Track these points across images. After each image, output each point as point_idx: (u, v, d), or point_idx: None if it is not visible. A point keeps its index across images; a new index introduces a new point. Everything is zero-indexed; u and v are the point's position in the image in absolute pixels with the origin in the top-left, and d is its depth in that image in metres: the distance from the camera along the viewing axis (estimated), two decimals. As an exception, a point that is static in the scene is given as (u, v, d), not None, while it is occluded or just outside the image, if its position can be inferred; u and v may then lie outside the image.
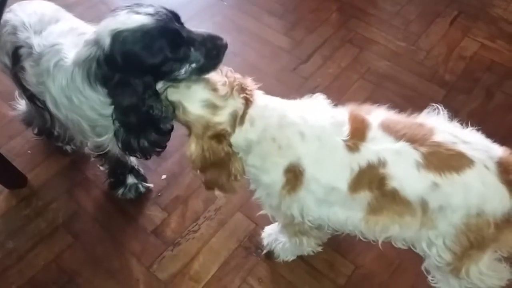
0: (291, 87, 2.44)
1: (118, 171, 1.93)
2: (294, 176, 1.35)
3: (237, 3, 3.00)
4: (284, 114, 1.35)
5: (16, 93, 2.04)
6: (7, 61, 1.71)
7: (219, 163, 1.34)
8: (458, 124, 1.39)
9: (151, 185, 2.03)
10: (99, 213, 1.99)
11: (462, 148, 1.28)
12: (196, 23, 2.84)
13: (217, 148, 1.31)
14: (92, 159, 1.91)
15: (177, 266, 1.82)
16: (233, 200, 1.99)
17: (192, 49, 1.35)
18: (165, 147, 1.51)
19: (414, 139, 1.28)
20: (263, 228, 1.87)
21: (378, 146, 1.29)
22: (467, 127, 1.38)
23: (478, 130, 1.39)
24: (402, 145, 1.28)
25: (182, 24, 1.40)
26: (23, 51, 1.60)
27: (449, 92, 2.46)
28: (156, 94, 1.37)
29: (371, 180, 1.29)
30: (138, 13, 1.32)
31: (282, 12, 2.92)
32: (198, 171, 1.39)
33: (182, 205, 2.00)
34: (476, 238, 1.31)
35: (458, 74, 2.56)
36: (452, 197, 1.26)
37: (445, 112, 1.41)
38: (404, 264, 1.80)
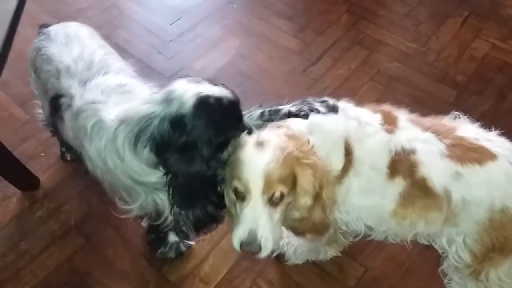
0: (301, 88, 2.44)
1: (159, 227, 1.73)
2: (347, 158, 1.33)
3: (246, 6, 3.01)
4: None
5: (33, 99, 2.06)
6: (45, 104, 1.63)
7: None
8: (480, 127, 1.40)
9: (192, 243, 1.87)
10: (110, 215, 1.99)
11: (484, 143, 1.30)
12: (206, 26, 2.87)
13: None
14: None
15: (187, 267, 1.83)
16: (243, 202, 1.99)
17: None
18: (220, 219, 1.42)
19: (439, 132, 1.33)
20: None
21: (408, 134, 1.34)
22: (491, 130, 1.39)
23: (490, 131, 1.39)
24: (429, 135, 1.33)
25: None
26: (63, 100, 1.51)
27: (460, 93, 2.44)
28: (219, 159, 1.30)
29: (404, 165, 1.31)
30: (215, 85, 1.29)
31: (291, 14, 2.92)
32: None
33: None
34: (498, 238, 1.29)
35: (470, 75, 2.53)
36: (475, 188, 1.27)
37: (466, 118, 1.43)
38: (414, 266, 1.79)
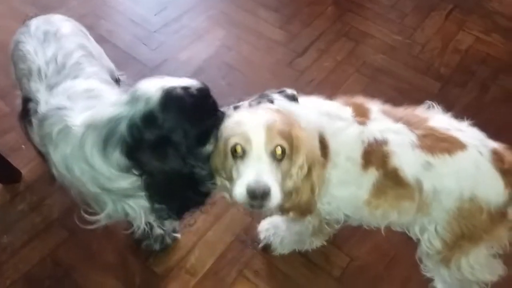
0: (287, 80, 2.44)
1: None
2: (322, 150, 1.33)
3: (232, -3, 2.99)
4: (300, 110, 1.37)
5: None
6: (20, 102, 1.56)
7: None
8: (452, 117, 1.42)
9: (178, 235, 1.85)
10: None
11: (455, 133, 1.32)
12: (191, 17, 2.84)
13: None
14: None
15: (173, 259, 1.82)
16: (229, 193, 1.99)
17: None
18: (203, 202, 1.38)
19: (410, 123, 1.35)
20: (259, 222, 1.87)
21: (380, 125, 1.35)
22: (463, 120, 1.41)
23: (473, 123, 1.41)
24: (400, 126, 1.34)
25: None
26: (31, 105, 1.46)
27: (444, 85, 2.47)
28: (199, 153, 1.27)
29: (377, 156, 1.33)
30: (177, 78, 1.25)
31: (277, 5, 2.91)
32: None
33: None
34: (467, 226, 1.32)
35: (453, 68, 2.56)
36: (445, 178, 1.29)
37: (440, 107, 1.45)
38: (398, 256, 1.81)
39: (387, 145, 1.32)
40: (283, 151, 1.20)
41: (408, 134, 1.32)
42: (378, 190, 1.35)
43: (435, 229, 1.38)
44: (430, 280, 1.63)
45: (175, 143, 1.20)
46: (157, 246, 1.82)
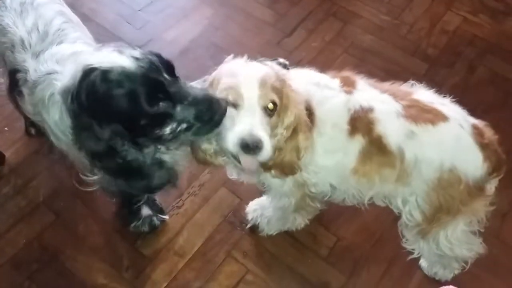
0: (275, 61, 2.41)
1: (133, 201, 1.73)
2: (309, 119, 1.35)
3: (219, -25, 2.92)
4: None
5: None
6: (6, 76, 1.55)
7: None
8: (436, 94, 1.45)
9: (166, 217, 1.85)
10: (80, 190, 1.95)
11: (438, 106, 1.36)
12: (177, -5, 2.77)
13: None
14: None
15: (161, 241, 1.82)
16: (217, 175, 1.98)
17: (178, 107, 1.20)
18: (163, 186, 1.40)
19: (396, 95, 1.39)
20: (247, 203, 1.87)
21: (366, 94, 1.38)
22: (446, 97, 1.44)
23: (460, 103, 1.43)
24: (386, 96, 1.38)
25: (175, 77, 1.24)
26: (20, 76, 1.44)
27: (432, 66, 2.47)
28: (135, 145, 1.26)
29: (363, 123, 1.35)
30: (121, 52, 1.18)
31: (265, -16, 2.85)
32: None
33: (165, 181, 1.98)
34: (446, 197, 1.36)
35: (441, 48, 2.56)
36: (426, 148, 1.32)
37: (425, 86, 1.47)
38: (385, 236, 1.84)
39: (373, 112, 1.35)
40: (275, 107, 1.22)
41: (393, 104, 1.36)
42: (364, 157, 1.38)
43: (416, 201, 1.42)
44: (416, 260, 1.67)
45: (94, 128, 1.19)
46: (145, 228, 1.82)
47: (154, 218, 1.82)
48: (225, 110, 1.22)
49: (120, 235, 1.84)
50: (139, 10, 2.66)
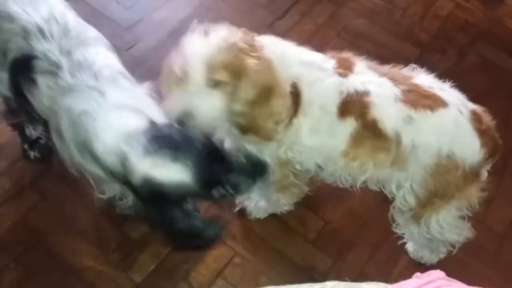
0: (266, 44, 2.38)
1: None
2: (295, 100, 1.36)
3: (210, -46, 2.85)
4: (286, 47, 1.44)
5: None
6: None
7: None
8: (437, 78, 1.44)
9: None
10: (67, 172, 1.92)
11: (438, 92, 1.35)
12: (167, -26, 2.69)
13: None
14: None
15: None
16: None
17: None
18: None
19: (395, 79, 1.37)
20: (235, 187, 1.87)
21: (364, 77, 1.36)
22: (445, 82, 1.43)
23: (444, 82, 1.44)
24: (384, 80, 1.36)
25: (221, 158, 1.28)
26: (40, 63, 1.38)
27: (424, 51, 2.46)
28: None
29: (356, 107, 1.34)
30: (175, 160, 1.19)
31: (257, -36, 2.79)
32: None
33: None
34: (442, 183, 1.36)
35: (433, 34, 2.55)
36: (424, 133, 1.32)
37: (423, 70, 1.47)
38: (371, 220, 1.86)
39: (368, 96, 1.33)
40: (222, 82, 1.25)
41: (392, 88, 1.34)
42: (356, 141, 1.37)
43: (411, 186, 1.41)
44: (402, 244, 1.68)
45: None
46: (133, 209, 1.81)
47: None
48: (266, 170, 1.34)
49: (106, 217, 1.82)
50: (128, -11, 2.60)
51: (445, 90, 1.38)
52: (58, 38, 1.41)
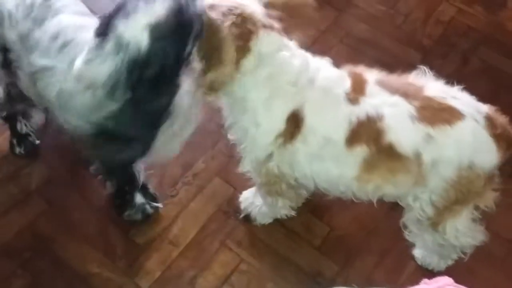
0: (269, 50, 2.39)
1: (127, 188, 1.72)
2: (293, 125, 1.33)
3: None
4: (307, 57, 1.40)
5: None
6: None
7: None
8: (444, 83, 1.43)
9: (159, 205, 1.83)
10: (74, 177, 1.95)
11: (452, 102, 1.33)
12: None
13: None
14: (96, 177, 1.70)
15: (155, 230, 1.82)
16: (212, 165, 1.98)
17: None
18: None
19: (408, 94, 1.33)
20: (241, 192, 1.88)
21: (376, 100, 1.33)
22: (453, 86, 1.42)
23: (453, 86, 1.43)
24: (397, 99, 1.33)
25: None
26: (12, 56, 1.40)
27: (426, 56, 2.47)
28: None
29: (368, 134, 1.32)
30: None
31: (260, -29, 2.81)
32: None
33: (159, 170, 1.97)
34: (463, 192, 1.35)
35: (435, 39, 2.56)
36: (445, 149, 1.30)
37: (431, 73, 1.45)
38: (379, 226, 1.86)
39: (382, 120, 1.31)
40: None
41: (406, 106, 1.31)
42: (370, 165, 1.35)
43: (429, 198, 1.40)
44: (408, 250, 1.68)
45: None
46: (138, 216, 1.81)
47: (147, 206, 1.81)
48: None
49: (113, 224, 1.83)
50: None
51: (458, 98, 1.35)
52: (20, 22, 1.36)
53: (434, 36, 2.57)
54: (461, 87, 1.44)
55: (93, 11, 2.34)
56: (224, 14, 1.25)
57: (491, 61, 2.48)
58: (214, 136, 2.04)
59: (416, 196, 1.42)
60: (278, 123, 1.35)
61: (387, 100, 1.33)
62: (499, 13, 2.70)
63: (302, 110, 1.33)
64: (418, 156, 1.31)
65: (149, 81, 1.19)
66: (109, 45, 1.15)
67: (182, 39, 1.19)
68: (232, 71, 1.27)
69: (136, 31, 1.14)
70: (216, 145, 2.03)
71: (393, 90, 1.35)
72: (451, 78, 2.32)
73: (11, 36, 1.37)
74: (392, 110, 1.32)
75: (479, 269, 1.74)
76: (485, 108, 1.37)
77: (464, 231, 1.50)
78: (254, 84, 1.33)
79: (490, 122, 1.34)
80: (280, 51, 1.33)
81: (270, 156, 1.42)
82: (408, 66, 2.35)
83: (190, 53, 1.23)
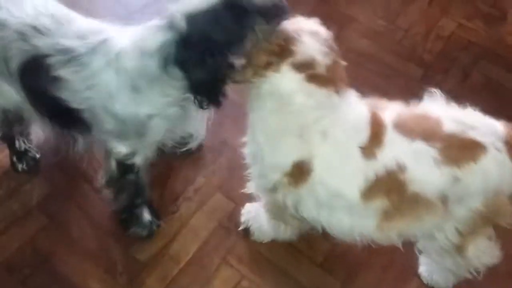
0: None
1: (136, 202, 1.73)
2: (299, 172, 1.29)
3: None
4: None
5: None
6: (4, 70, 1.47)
7: None
8: (455, 106, 1.39)
9: (160, 222, 1.83)
10: (75, 193, 1.94)
11: (472, 135, 1.27)
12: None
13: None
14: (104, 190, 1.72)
15: (156, 247, 1.81)
16: (213, 180, 1.98)
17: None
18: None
19: (427, 135, 1.27)
20: (243, 207, 1.86)
21: (396, 150, 1.27)
22: (464, 107, 1.40)
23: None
24: (418, 144, 1.26)
25: None
26: (55, 59, 1.39)
27: (427, 71, 2.48)
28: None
29: (389, 187, 1.27)
30: None
31: (261, -13, 2.84)
32: None
33: (160, 186, 1.97)
34: (489, 217, 1.33)
35: (436, 54, 2.57)
36: (472, 185, 1.27)
37: (442, 95, 1.42)
38: (379, 243, 1.84)
39: (405, 172, 1.25)
40: None
41: (428, 151, 1.24)
42: (392, 215, 1.31)
43: (455, 227, 1.36)
44: (410, 267, 1.66)
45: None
46: (144, 233, 1.80)
47: (153, 224, 1.81)
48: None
49: (114, 240, 1.82)
50: None
51: (475, 127, 1.29)
52: (55, 29, 1.42)
53: (434, 51, 2.58)
54: (458, 103, 1.42)
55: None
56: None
57: (492, 76, 2.49)
58: (215, 151, 2.04)
59: (440, 227, 1.37)
60: (283, 163, 1.30)
61: (408, 148, 1.26)
62: (499, 27, 2.71)
63: (310, 162, 1.27)
64: (445, 198, 1.28)
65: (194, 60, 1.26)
66: (163, 22, 1.30)
67: (232, 27, 1.25)
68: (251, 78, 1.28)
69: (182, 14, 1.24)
70: (217, 160, 2.03)
71: (412, 133, 1.27)
72: (452, 93, 2.32)
73: (50, 40, 1.42)
74: (415, 159, 1.25)
75: (483, 284, 1.72)
76: (500, 127, 1.33)
77: (485, 250, 1.46)
78: (261, 115, 1.31)
79: (509, 146, 1.30)
80: (297, 94, 1.26)
81: (276, 189, 1.38)
82: (409, 81, 2.39)
83: (242, 42, 1.27)
